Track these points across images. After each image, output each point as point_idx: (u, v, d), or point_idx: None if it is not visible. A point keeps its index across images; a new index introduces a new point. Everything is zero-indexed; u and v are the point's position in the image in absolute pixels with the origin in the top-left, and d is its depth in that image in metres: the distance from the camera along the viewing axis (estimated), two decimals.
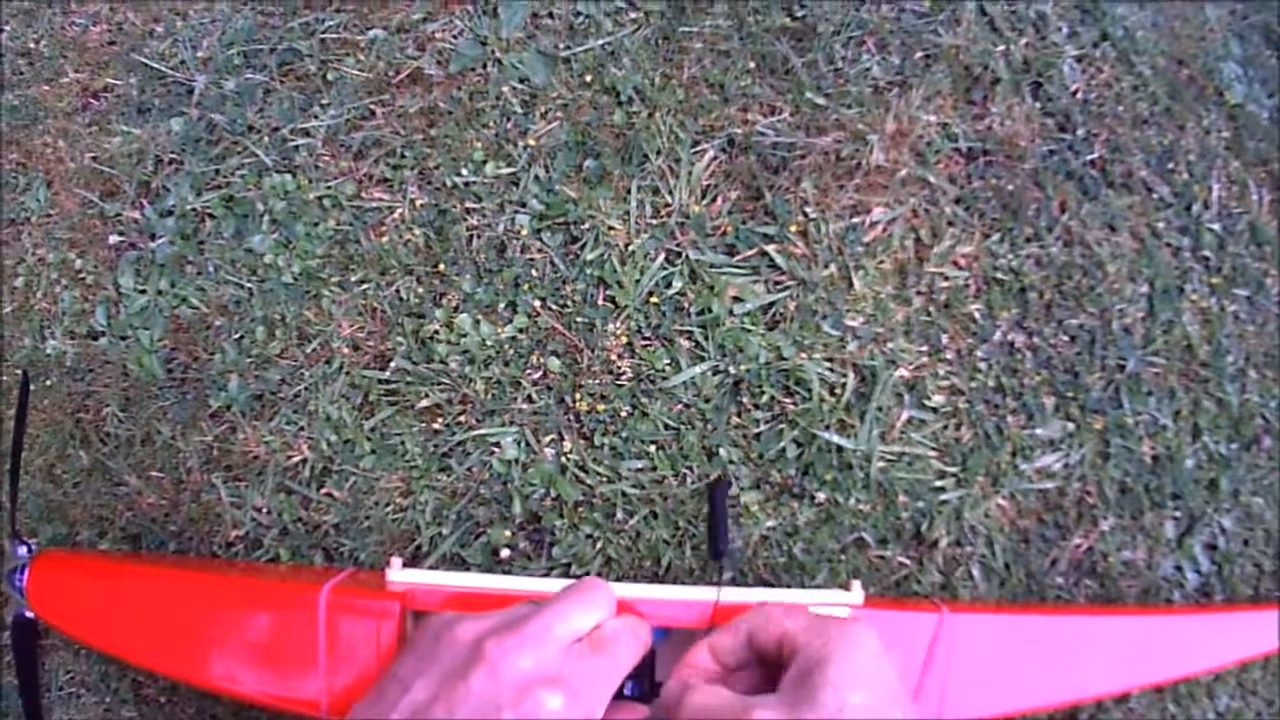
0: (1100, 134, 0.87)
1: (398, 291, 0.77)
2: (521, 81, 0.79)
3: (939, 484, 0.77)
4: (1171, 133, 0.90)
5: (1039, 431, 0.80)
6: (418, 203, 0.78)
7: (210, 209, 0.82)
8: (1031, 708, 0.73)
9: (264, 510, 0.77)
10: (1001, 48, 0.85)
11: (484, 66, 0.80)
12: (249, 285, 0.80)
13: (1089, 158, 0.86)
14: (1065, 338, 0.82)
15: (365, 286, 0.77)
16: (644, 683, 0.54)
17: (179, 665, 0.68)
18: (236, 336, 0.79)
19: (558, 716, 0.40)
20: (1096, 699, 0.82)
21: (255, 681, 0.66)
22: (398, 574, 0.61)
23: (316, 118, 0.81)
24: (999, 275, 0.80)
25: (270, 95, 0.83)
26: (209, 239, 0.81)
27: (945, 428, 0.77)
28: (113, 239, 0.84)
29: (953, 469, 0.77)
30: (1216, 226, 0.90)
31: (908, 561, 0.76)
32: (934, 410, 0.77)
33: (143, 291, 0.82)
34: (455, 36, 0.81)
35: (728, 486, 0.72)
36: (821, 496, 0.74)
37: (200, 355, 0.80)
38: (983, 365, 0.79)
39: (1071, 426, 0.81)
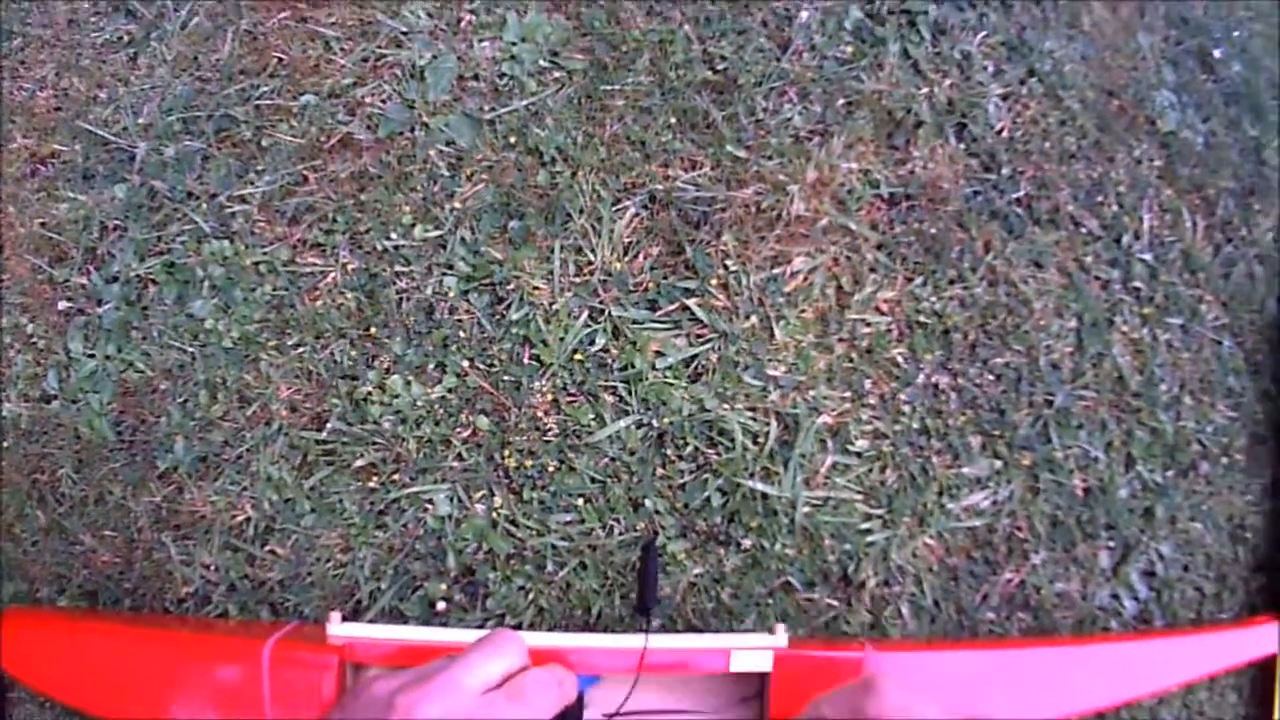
0: (1026, 171, 0.88)
1: (332, 354, 0.79)
2: (448, 144, 0.81)
3: (865, 526, 0.78)
4: (1101, 165, 0.91)
5: (966, 470, 0.81)
6: (349, 267, 0.80)
7: (153, 275, 0.84)
8: None
9: (212, 568, 0.80)
10: (925, 90, 0.86)
11: (411, 130, 0.82)
12: (191, 350, 0.82)
13: (1014, 196, 0.87)
14: (991, 377, 0.83)
15: (301, 350, 0.80)
16: None
17: (136, 717, 0.72)
18: (181, 400, 0.82)
19: None
20: None
21: None
22: (337, 628, 0.64)
23: (252, 184, 0.83)
24: (922, 318, 0.82)
25: (208, 162, 0.85)
26: (152, 304, 0.84)
27: (870, 471, 0.79)
28: (62, 304, 0.87)
29: (879, 511, 0.79)
30: (1148, 256, 0.91)
31: (836, 603, 0.78)
32: (858, 455, 0.79)
33: (91, 356, 0.85)
34: (384, 101, 0.83)
35: (656, 546, 0.75)
36: (747, 543, 0.76)
37: (147, 418, 0.83)
38: (906, 408, 0.80)
39: (999, 464, 0.82)
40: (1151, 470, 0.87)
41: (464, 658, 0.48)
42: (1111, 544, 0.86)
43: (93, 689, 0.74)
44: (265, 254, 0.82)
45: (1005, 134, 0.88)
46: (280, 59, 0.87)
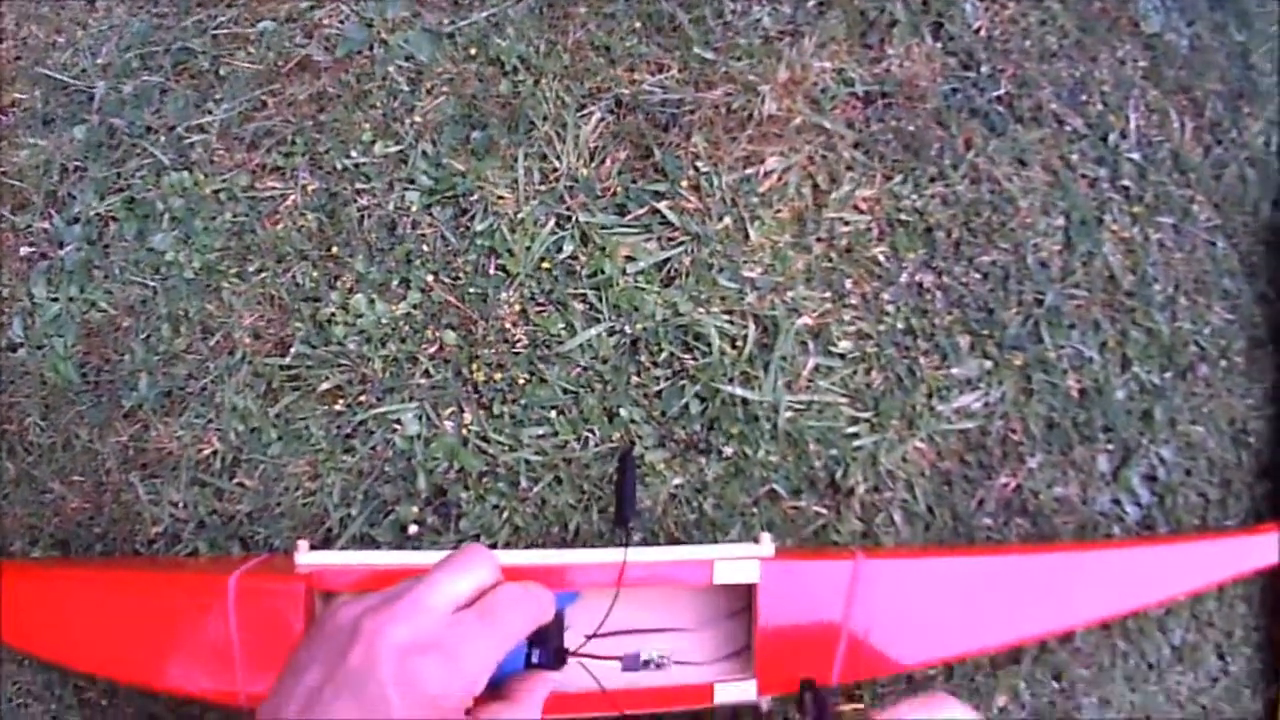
0: (1006, 70, 0.86)
1: (294, 277, 0.77)
2: (407, 60, 0.79)
3: (851, 430, 0.76)
4: (1083, 65, 0.89)
5: (954, 371, 0.78)
6: (309, 188, 0.78)
7: (113, 212, 0.82)
8: (968, 651, 0.72)
9: (180, 505, 0.78)
10: None
11: (370, 49, 0.80)
12: (153, 284, 0.80)
13: (995, 94, 0.84)
14: (977, 275, 0.80)
15: (263, 275, 0.78)
16: (551, 650, 0.53)
17: (111, 665, 0.69)
18: (144, 336, 0.80)
19: (435, 679, 0.40)
20: (1040, 638, 0.80)
21: (179, 675, 0.66)
22: (305, 556, 0.62)
23: (210, 113, 0.82)
24: (903, 216, 0.79)
25: (166, 95, 0.84)
26: (113, 242, 0.82)
27: (854, 373, 0.76)
28: (24, 250, 0.85)
29: (865, 414, 0.76)
30: (1136, 156, 0.88)
31: (824, 511, 0.75)
32: (841, 356, 0.76)
33: (55, 300, 0.83)
34: (341, 21, 0.81)
35: (633, 456, 0.72)
36: (729, 450, 0.73)
37: (111, 357, 0.81)
38: (890, 308, 0.78)
39: (989, 364, 0.79)
40: (1149, 371, 0.84)
41: (430, 576, 0.45)
42: (1110, 447, 0.82)
43: (66, 641, 0.71)
44: (224, 181, 0.80)
45: (983, 33, 0.85)
46: None
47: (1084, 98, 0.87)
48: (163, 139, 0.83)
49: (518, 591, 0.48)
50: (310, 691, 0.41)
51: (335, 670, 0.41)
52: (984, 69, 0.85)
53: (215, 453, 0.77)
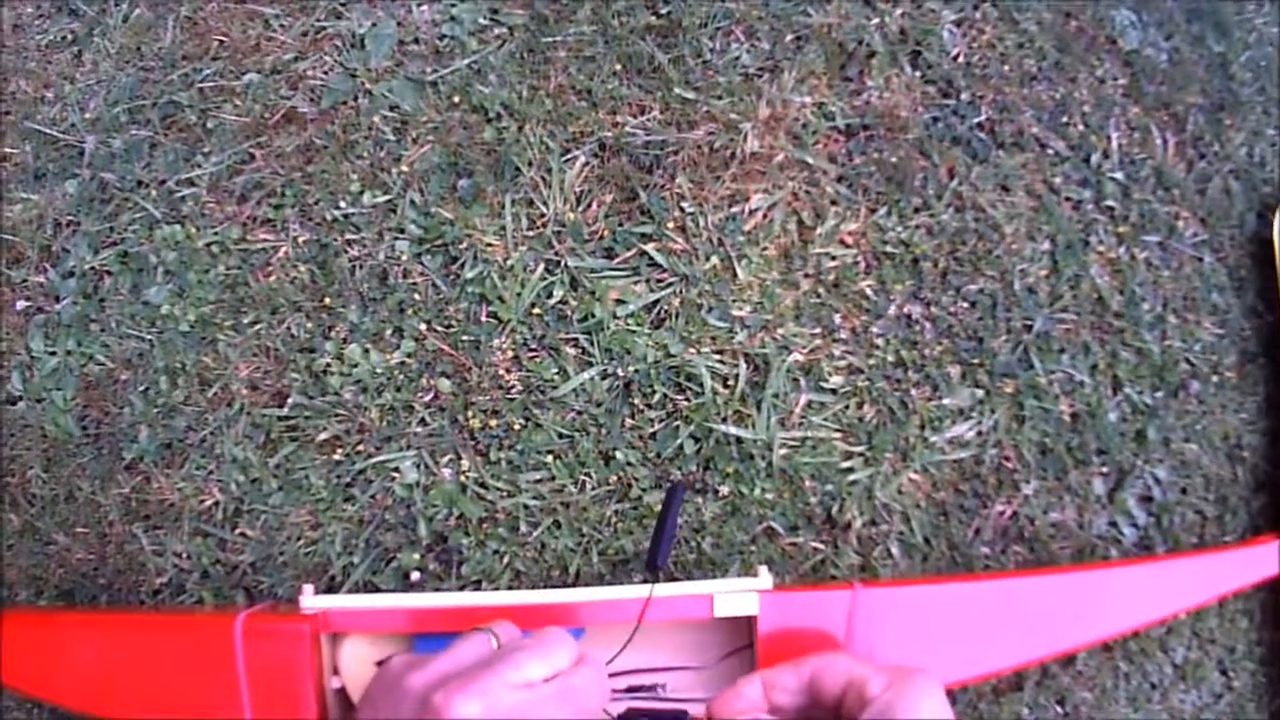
0: (986, 96, 0.86)
1: (288, 329, 0.78)
2: (392, 109, 0.80)
3: (846, 465, 0.76)
4: (1063, 87, 0.89)
5: (946, 401, 0.79)
6: (300, 240, 0.79)
7: (108, 266, 0.83)
8: (970, 676, 0.73)
9: (183, 555, 0.78)
10: (875, 21, 0.85)
11: (355, 99, 0.81)
12: (149, 337, 0.81)
13: (975, 121, 0.85)
14: (965, 304, 0.81)
15: (258, 327, 0.78)
16: None
17: (120, 708, 0.70)
18: (142, 388, 0.81)
19: None
20: (1041, 660, 0.80)
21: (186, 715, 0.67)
22: (310, 600, 0.63)
23: (200, 166, 0.82)
24: (889, 249, 0.80)
25: (156, 149, 0.84)
26: (109, 296, 0.83)
27: (846, 408, 0.77)
28: (20, 305, 0.86)
29: (859, 448, 0.77)
30: (1119, 175, 0.89)
31: (821, 546, 0.76)
32: (833, 391, 0.77)
33: (53, 353, 0.84)
34: (325, 72, 0.82)
35: (683, 493, 0.71)
36: (725, 489, 0.74)
37: (111, 410, 0.82)
38: (880, 341, 0.78)
39: (981, 393, 0.80)
40: (1140, 392, 0.85)
41: (508, 654, 0.43)
42: (1105, 469, 0.83)
43: (69, 684, 0.72)
44: (216, 234, 0.81)
45: (961, 59, 0.86)
46: (221, 41, 0.86)
47: (1065, 119, 0.88)
48: (154, 193, 0.83)
49: (596, 675, 0.47)
50: None
51: None
52: (964, 96, 0.85)
53: (217, 503, 0.78)
